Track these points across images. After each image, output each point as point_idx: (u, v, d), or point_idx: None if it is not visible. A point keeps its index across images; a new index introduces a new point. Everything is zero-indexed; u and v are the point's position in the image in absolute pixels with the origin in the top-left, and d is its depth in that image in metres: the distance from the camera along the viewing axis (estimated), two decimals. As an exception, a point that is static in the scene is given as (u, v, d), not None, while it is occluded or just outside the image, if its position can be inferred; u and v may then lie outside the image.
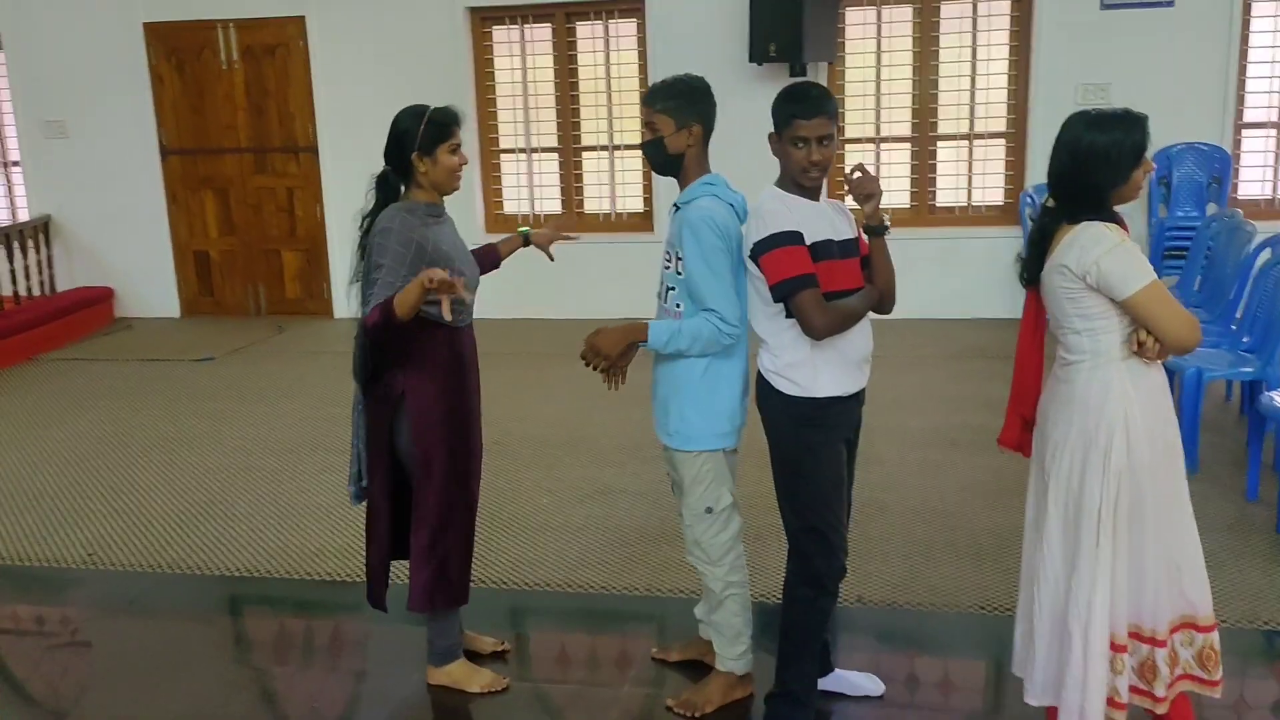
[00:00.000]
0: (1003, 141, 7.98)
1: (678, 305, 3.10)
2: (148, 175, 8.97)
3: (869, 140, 8.13)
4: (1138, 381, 2.66)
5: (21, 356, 7.90)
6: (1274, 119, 7.69)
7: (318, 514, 4.87)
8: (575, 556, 4.36)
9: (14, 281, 8.48)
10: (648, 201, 8.44)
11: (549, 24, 8.37)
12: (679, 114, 3.06)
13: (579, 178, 8.56)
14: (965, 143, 8.04)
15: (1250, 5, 7.44)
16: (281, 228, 8.97)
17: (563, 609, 4.03)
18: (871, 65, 8.02)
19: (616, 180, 8.51)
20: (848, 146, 8.06)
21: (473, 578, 3.42)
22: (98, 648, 3.92)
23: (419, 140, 3.14)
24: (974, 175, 8.09)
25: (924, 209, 8.12)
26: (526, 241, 3.80)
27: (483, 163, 8.53)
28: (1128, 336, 2.65)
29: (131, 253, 9.10)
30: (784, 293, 2.86)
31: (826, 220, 2.96)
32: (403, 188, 3.24)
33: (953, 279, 7.87)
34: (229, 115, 8.83)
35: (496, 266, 3.73)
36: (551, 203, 8.64)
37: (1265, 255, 5.40)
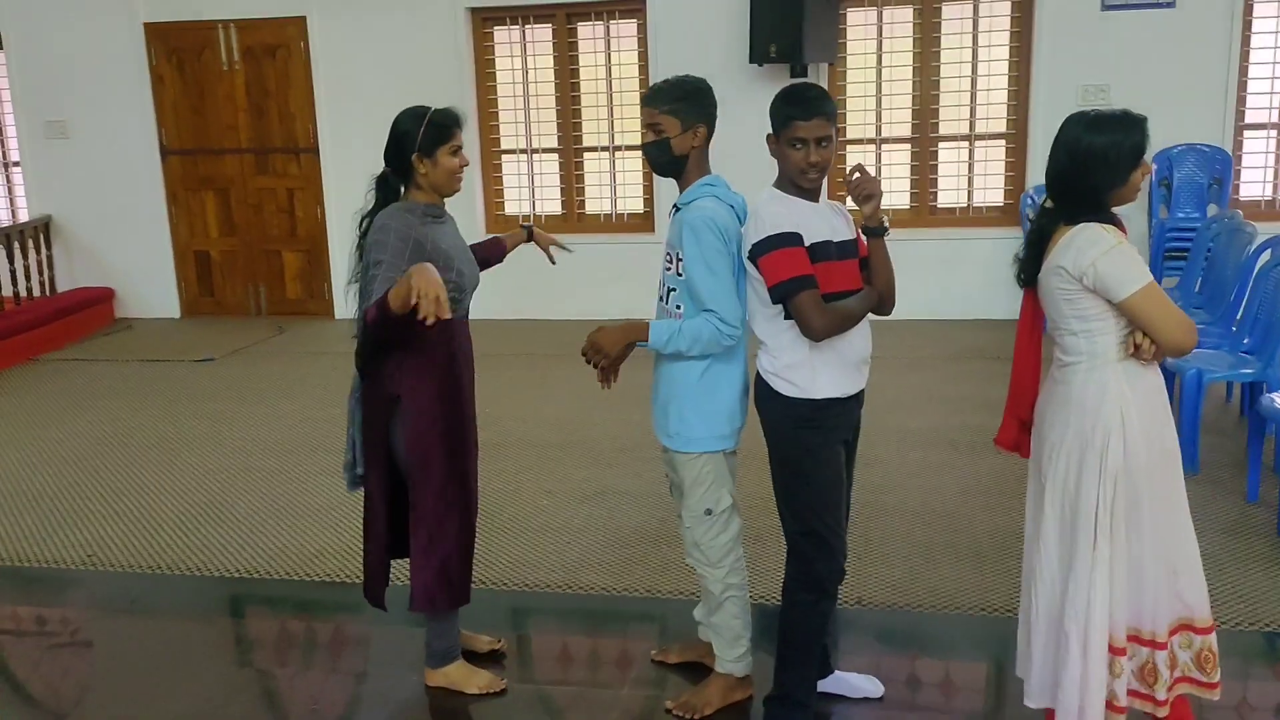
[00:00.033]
0: (1003, 142, 7.98)
1: (679, 307, 3.10)
2: (148, 175, 8.97)
3: (869, 141, 8.12)
4: (1134, 383, 2.65)
5: (22, 357, 7.90)
6: (1275, 120, 7.68)
7: (318, 515, 4.87)
8: (575, 558, 4.37)
9: (14, 282, 8.47)
10: (648, 202, 8.44)
11: (550, 25, 8.37)
12: (685, 115, 3.06)
13: (580, 178, 8.57)
14: (966, 144, 8.04)
15: (1251, 6, 7.44)
16: (282, 228, 8.97)
17: (563, 610, 4.03)
18: (872, 66, 8.02)
19: (617, 181, 8.51)
20: (848, 147, 8.06)
21: (473, 579, 3.42)
22: (98, 648, 3.92)
23: (419, 142, 3.14)
24: (974, 176, 8.08)
25: (924, 210, 8.12)
26: (530, 236, 3.84)
27: (483, 163, 8.53)
28: (1124, 338, 2.64)
29: (132, 253, 9.10)
30: (783, 294, 2.86)
31: (825, 221, 2.96)
32: (402, 189, 3.24)
33: (953, 280, 7.86)
34: (230, 116, 8.83)
35: (501, 260, 3.76)
36: (552, 203, 8.65)
37: (1266, 256, 5.40)
